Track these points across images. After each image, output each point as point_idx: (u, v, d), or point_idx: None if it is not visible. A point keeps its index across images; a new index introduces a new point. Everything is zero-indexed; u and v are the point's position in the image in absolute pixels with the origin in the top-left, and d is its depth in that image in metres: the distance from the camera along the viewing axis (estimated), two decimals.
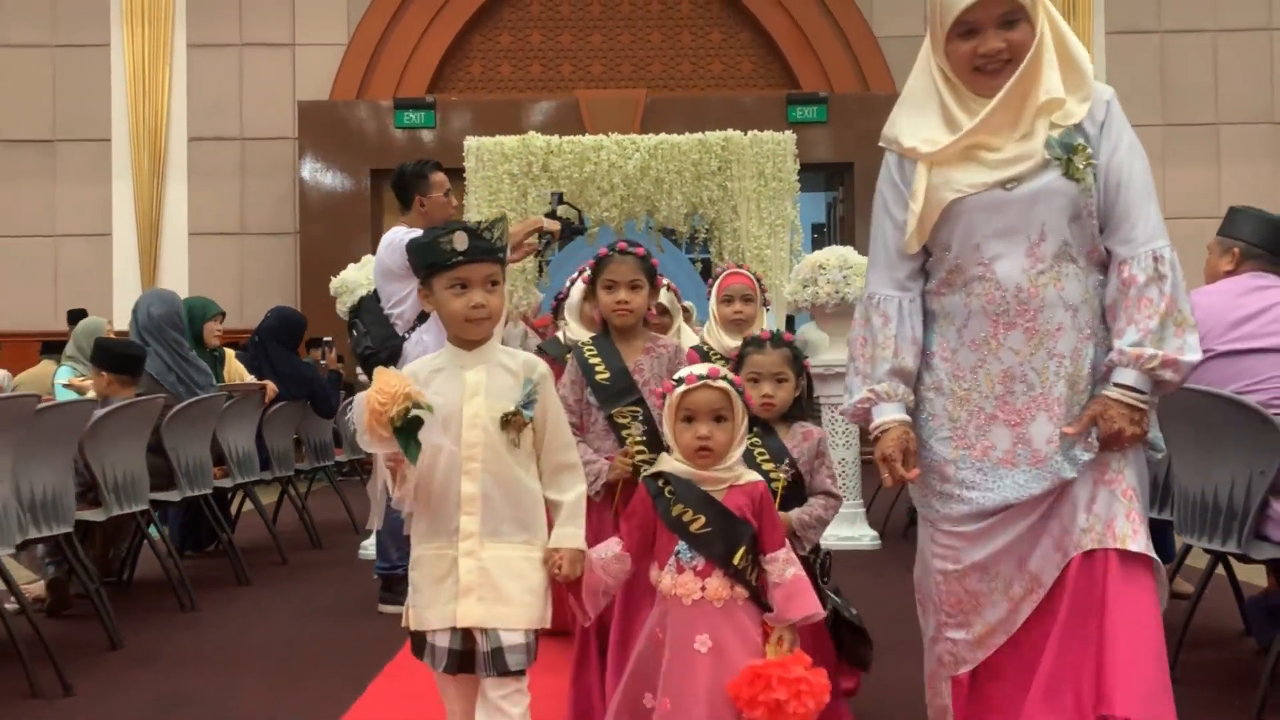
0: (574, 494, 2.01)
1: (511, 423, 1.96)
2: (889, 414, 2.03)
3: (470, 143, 7.36)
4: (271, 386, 4.83)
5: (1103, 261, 1.99)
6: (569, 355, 2.85)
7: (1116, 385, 1.90)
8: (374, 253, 4.28)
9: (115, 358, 3.87)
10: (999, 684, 2.00)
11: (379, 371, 1.85)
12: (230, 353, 5.13)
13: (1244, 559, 2.81)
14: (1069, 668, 1.89)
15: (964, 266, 2.01)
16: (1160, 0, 10.55)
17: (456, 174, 8.98)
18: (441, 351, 2.04)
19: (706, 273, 9.26)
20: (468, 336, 1.99)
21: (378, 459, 1.99)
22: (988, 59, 1.93)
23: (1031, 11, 1.94)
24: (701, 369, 2.10)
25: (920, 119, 2.02)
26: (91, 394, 4.10)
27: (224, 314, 5.15)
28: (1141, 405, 1.89)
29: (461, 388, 1.97)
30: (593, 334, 2.88)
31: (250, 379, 4.97)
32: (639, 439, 2.59)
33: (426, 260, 2.00)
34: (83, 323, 5.92)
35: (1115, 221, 1.96)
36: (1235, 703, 2.82)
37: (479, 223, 2.04)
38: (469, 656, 1.92)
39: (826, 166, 10.11)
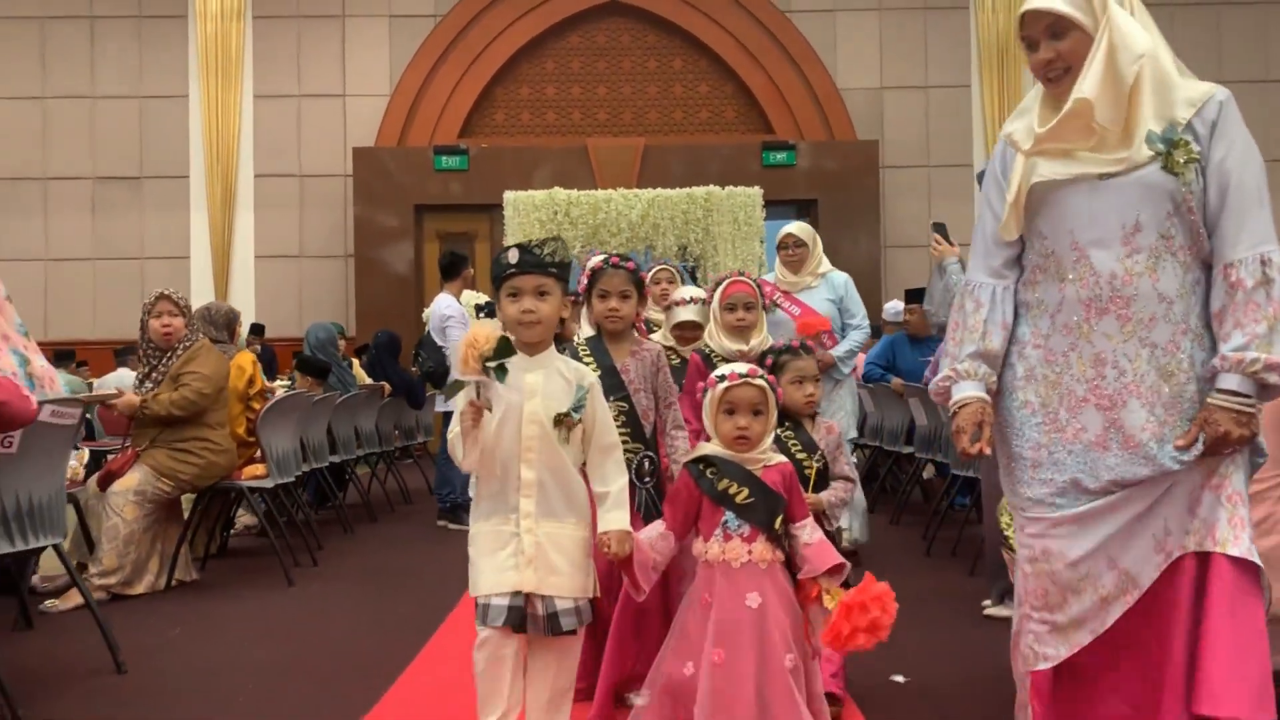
0: (618, 485, 2.29)
1: (563, 422, 2.24)
2: (966, 390, 2.14)
3: (508, 195, 9.66)
4: (388, 387, 7.12)
5: (1205, 259, 2.03)
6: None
7: (1220, 391, 1.96)
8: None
9: (314, 368, 6.19)
10: (1090, 688, 2.02)
11: (475, 323, 2.35)
12: (355, 361, 7.40)
13: None
14: (1178, 671, 1.93)
15: (1058, 253, 2.08)
16: None
17: (487, 209, 11.33)
18: None
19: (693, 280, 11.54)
20: (521, 339, 2.28)
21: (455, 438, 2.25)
22: (1044, 69, 2.08)
23: (1083, 21, 2.03)
24: (743, 368, 2.39)
25: (1027, 114, 2.16)
26: (280, 393, 6.37)
27: (343, 332, 7.38)
28: (1247, 409, 1.94)
29: (522, 387, 2.24)
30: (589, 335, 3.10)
31: (369, 381, 7.25)
32: (622, 430, 2.79)
33: (492, 274, 2.34)
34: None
35: (1223, 224, 2.00)
36: None
37: (530, 240, 2.31)
38: (524, 617, 2.20)
39: (796, 202, 12.37)
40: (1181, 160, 1.96)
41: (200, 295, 13.03)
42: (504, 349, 2.14)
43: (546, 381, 2.27)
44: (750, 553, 2.30)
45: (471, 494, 2.41)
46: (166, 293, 4.71)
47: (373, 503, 7.17)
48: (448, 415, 6.35)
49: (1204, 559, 1.95)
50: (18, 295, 3.84)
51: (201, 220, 12.61)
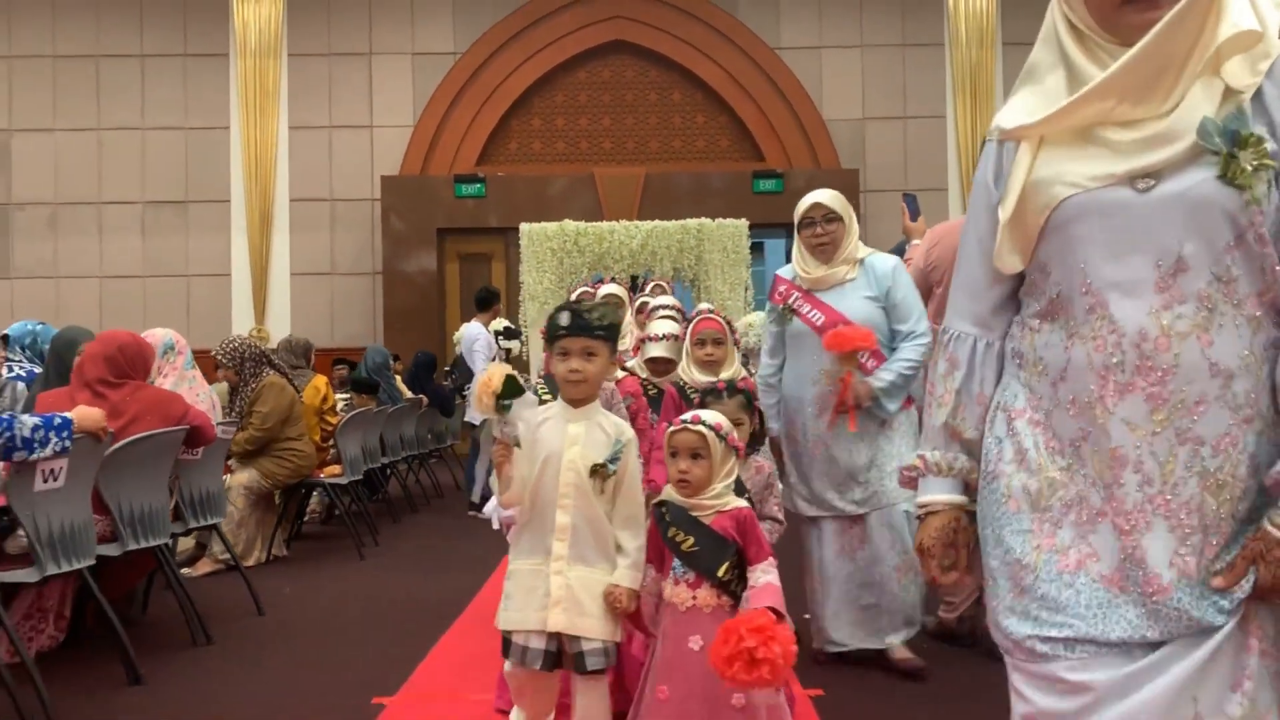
0: (635, 545, 2.42)
1: (598, 473, 2.39)
2: (935, 493, 1.63)
3: (524, 227, 11.10)
4: (425, 400, 8.60)
5: None
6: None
7: None
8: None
9: (366, 385, 7.67)
10: None
11: (491, 365, 2.42)
12: (398, 378, 8.86)
13: None
14: None
15: (1066, 296, 1.46)
16: None
17: (503, 231, 12.76)
18: (555, 403, 2.51)
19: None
20: (567, 395, 2.44)
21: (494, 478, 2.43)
22: None
23: None
24: (687, 416, 2.45)
25: (1036, 90, 1.48)
26: (339, 407, 7.82)
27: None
28: None
29: (564, 436, 2.41)
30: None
31: (409, 395, 8.72)
32: None
33: (546, 328, 2.52)
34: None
35: None
36: None
37: (581, 303, 2.46)
38: (558, 657, 2.39)
39: (784, 225, 13.72)
40: (1249, 167, 1.34)
41: (240, 310, 14.49)
42: (511, 387, 2.34)
43: (588, 433, 2.46)
44: (694, 598, 2.39)
45: (494, 488, 2.70)
46: (212, 352, 6.31)
47: (413, 496, 8.64)
48: (469, 425, 7.85)
49: None
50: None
51: (241, 241, 13.89)
